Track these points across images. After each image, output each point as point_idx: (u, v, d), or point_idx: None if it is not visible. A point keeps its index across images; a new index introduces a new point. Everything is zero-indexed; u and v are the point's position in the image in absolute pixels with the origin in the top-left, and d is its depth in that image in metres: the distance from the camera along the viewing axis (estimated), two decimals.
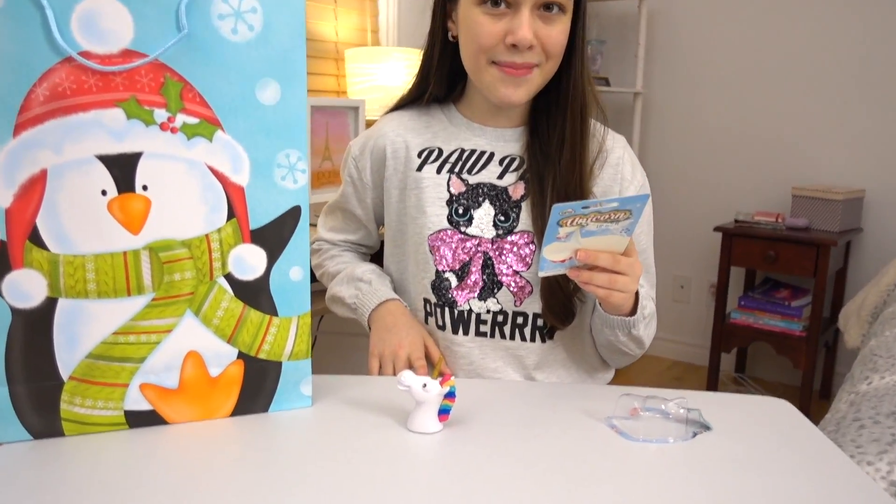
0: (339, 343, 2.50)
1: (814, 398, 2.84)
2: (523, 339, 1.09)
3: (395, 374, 1.05)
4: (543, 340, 1.10)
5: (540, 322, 1.09)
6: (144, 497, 0.65)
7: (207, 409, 0.82)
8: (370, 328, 1.12)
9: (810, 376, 2.71)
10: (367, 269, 1.18)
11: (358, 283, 1.15)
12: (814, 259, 2.65)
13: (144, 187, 0.75)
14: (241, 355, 0.82)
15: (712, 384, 2.94)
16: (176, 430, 0.80)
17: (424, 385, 0.79)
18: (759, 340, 2.83)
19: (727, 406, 0.92)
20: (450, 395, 0.80)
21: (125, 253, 0.75)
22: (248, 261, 0.81)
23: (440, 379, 0.80)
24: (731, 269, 2.87)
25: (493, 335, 1.09)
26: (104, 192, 0.74)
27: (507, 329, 1.09)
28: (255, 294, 0.81)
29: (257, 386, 0.84)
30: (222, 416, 0.83)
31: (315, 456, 0.75)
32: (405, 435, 0.80)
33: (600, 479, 0.71)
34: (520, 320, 1.09)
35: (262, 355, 0.83)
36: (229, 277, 0.80)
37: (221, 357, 0.81)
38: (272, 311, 0.83)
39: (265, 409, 0.85)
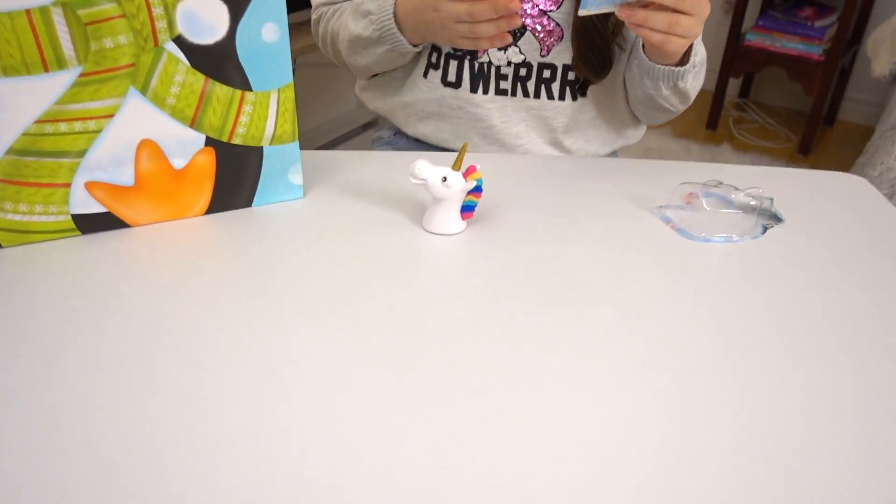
0: (321, 77, 2.27)
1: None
2: (550, 96, 0.91)
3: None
4: (574, 98, 0.91)
5: (570, 76, 0.90)
6: (102, 309, 0.53)
7: (176, 208, 0.67)
8: (406, 32, 0.84)
9: (821, 103, 2.57)
10: None
11: (366, 13, 0.87)
12: None
13: None
14: (210, 142, 0.65)
15: (715, 111, 2.79)
16: (139, 234, 0.65)
17: (444, 178, 0.64)
18: (773, 65, 2.63)
19: (796, 186, 0.78)
20: (476, 191, 0.65)
21: (29, 12, 0.54)
22: (204, 17, 0.59)
23: (463, 171, 0.65)
24: None
25: (514, 93, 0.90)
26: None
27: (530, 85, 0.90)
28: (218, 63, 0.62)
29: (235, 177, 0.67)
30: (196, 214, 0.68)
31: (312, 259, 0.62)
32: (422, 237, 0.66)
33: (656, 289, 0.59)
34: (546, 74, 0.90)
35: (236, 140, 0.66)
36: (181, 42, 0.60)
37: (185, 145, 0.64)
38: (244, 85, 0.63)
39: (248, 203, 0.69)
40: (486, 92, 0.90)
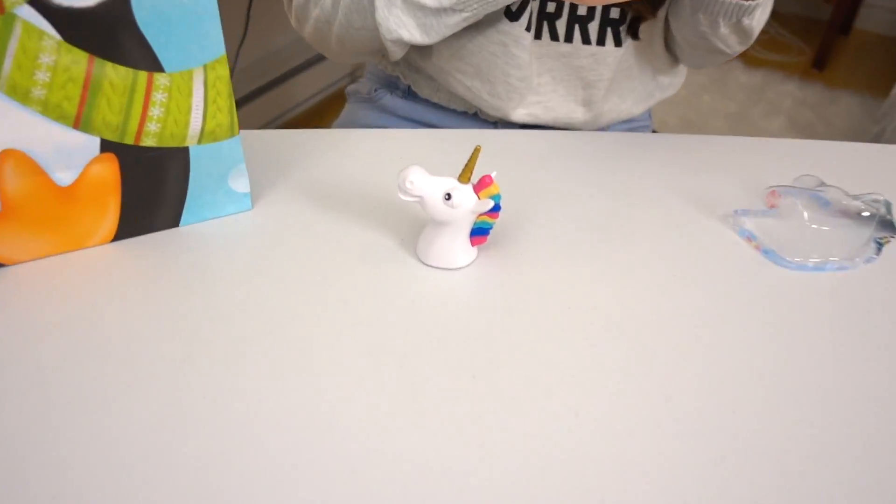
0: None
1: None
2: (586, 40, 0.69)
3: None
4: (617, 43, 0.70)
5: (613, 12, 0.69)
6: None
7: (69, 237, 0.47)
8: None
9: (841, 11, 2.34)
10: None
11: None
12: None
13: None
14: (107, 146, 0.45)
15: None
16: (18, 274, 0.46)
17: (448, 196, 0.45)
18: None
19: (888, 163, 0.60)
20: (492, 210, 0.46)
21: None
22: None
23: (475, 183, 0.46)
24: None
25: (539, 35, 0.69)
26: None
27: (559, 25, 0.69)
28: (106, 33, 0.41)
29: (151, 190, 0.48)
30: (99, 242, 0.49)
31: (263, 300, 0.44)
32: (416, 272, 0.48)
33: (737, 345, 0.42)
34: (581, 11, 0.68)
35: (147, 141, 0.46)
36: (41, 4, 0.39)
37: (70, 153, 0.44)
38: (150, 64, 0.43)
39: (174, 223, 0.50)
40: (538, 35, 0.68)
